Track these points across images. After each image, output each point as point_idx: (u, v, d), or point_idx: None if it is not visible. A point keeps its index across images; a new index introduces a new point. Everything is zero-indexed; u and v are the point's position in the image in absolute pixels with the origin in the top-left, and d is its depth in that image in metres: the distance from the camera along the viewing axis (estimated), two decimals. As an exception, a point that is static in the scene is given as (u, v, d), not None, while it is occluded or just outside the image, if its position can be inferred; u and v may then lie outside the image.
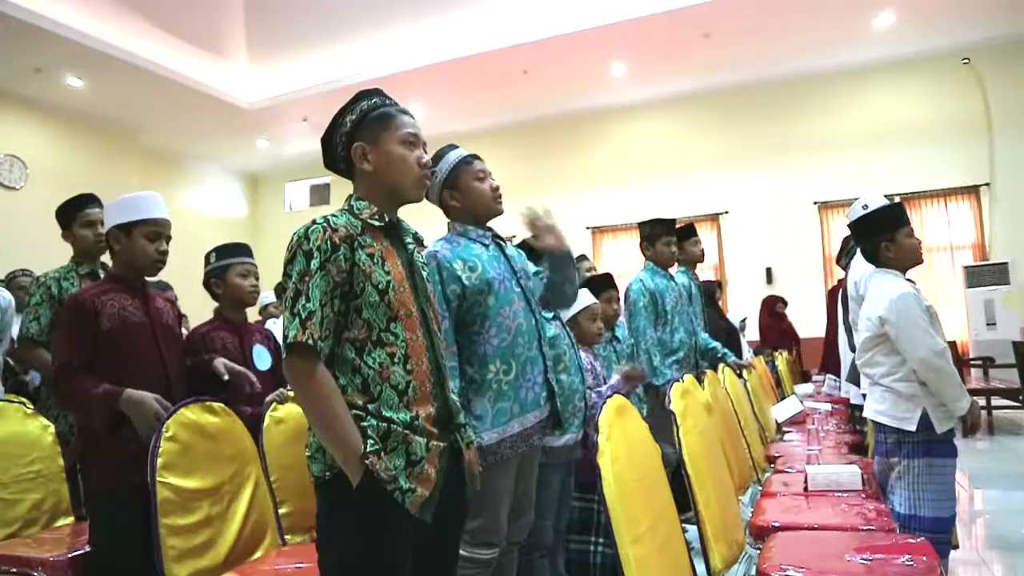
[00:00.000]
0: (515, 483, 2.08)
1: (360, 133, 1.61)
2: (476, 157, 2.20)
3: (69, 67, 8.44)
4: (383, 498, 1.41)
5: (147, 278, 2.32)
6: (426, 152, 1.65)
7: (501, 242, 2.21)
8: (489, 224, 2.21)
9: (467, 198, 2.14)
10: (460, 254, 2.04)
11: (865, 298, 2.71)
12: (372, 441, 1.42)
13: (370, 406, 1.45)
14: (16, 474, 2.53)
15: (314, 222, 1.49)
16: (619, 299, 3.43)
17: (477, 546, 2.00)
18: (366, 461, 1.40)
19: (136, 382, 2.09)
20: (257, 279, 2.75)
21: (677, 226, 4.12)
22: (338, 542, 1.44)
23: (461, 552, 1.99)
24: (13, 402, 2.71)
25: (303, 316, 1.41)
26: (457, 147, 2.21)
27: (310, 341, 1.40)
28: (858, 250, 3.70)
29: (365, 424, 1.43)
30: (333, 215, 1.53)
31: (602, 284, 3.34)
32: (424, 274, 1.66)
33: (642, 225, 3.96)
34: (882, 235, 2.61)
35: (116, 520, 2.02)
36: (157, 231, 2.24)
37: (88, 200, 2.93)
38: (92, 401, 2.00)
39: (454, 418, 1.59)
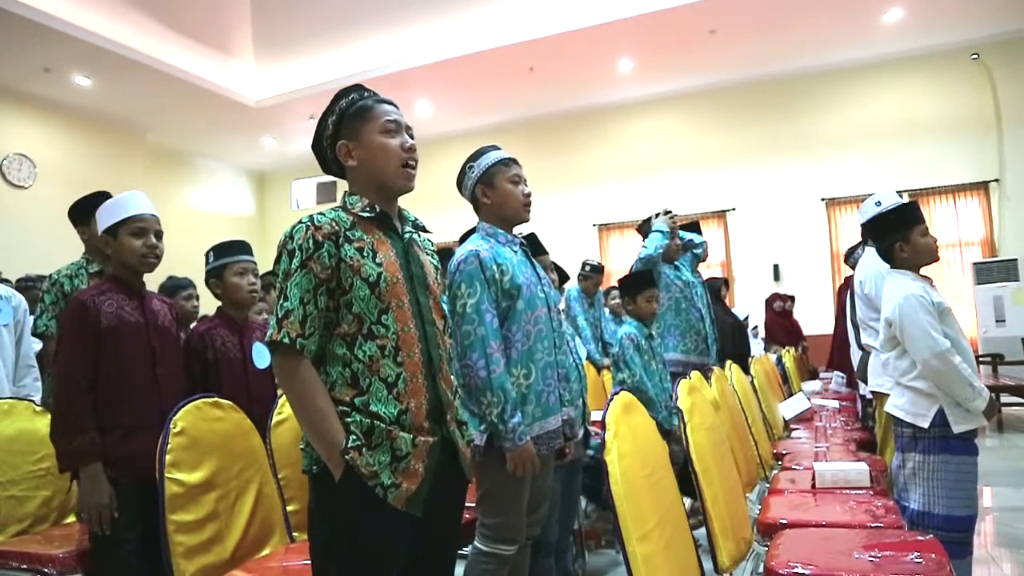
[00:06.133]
0: (533, 479, 2.09)
1: (342, 131, 1.62)
2: (515, 161, 2.24)
3: (77, 66, 8.46)
4: (365, 492, 1.43)
5: (158, 272, 2.34)
6: (411, 137, 1.65)
7: (526, 248, 2.26)
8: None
9: (498, 198, 2.18)
10: (495, 256, 2.07)
11: (879, 298, 2.70)
12: (355, 437, 1.43)
13: (357, 400, 1.46)
14: (26, 471, 2.54)
15: (300, 221, 1.51)
16: (657, 297, 3.43)
17: (499, 542, 2.02)
18: (347, 456, 1.42)
19: (125, 380, 2.12)
20: (256, 276, 2.75)
21: (682, 223, 4.12)
22: (323, 531, 1.47)
23: (482, 548, 2.01)
24: (22, 400, 2.73)
25: (280, 315, 1.44)
26: (499, 148, 2.25)
27: (286, 339, 1.42)
28: (865, 250, 3.70)
29: (349, 420, 1.45)
30: (320, 213, 1.54)
31: (645, 282, 3.38)
32: (427, 262, 1.65)
33: (643, 224, 3.96)
34: (896, 235, 2.60)
35: (116, 515, 2.04)
36: (142, 227, 2.24)
37: (102, 199, 2.92)
38: (71, 436, 2.01)
39: (446, 411, 1.58)
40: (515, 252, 2.16)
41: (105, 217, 2.25)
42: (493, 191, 2.18)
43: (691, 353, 3.74)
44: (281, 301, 1.45)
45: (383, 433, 1.45)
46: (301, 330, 1.44)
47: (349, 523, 1.44)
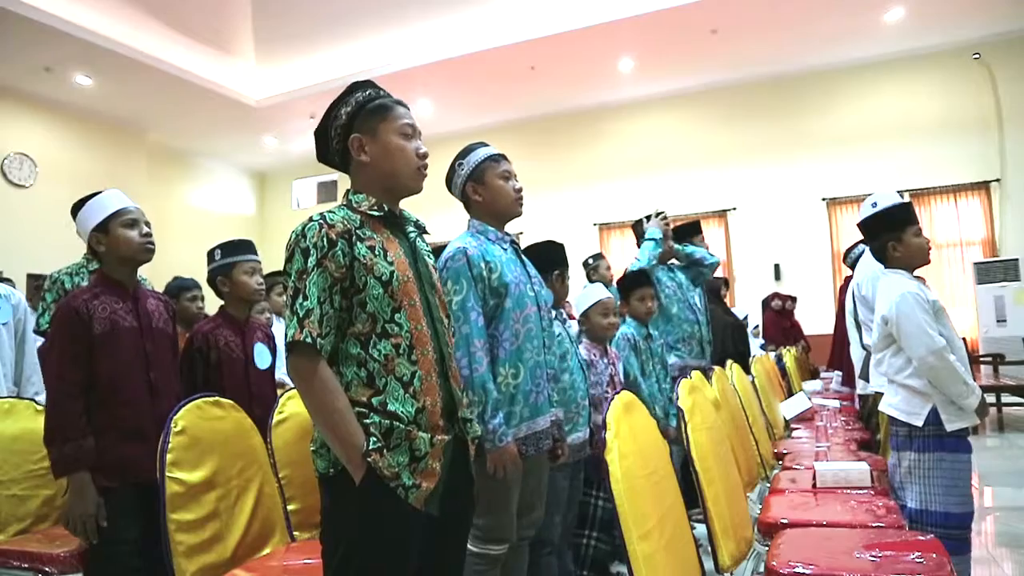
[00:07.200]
0: (525, 480, 2.08)
1: (357, 124, 1.60)
2: (504, 157, 2.22)
3: (78, 65, 8.47)
4: (386, 494, 1.42)
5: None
6: (422, 144, 1.65)
7: (517, 246, 2.24)
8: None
9: (490, 194, 2.17)
10: (483, 253, 2.06)
11: (875, 299, 2.72)
12: (375, 439, 1.42)
13: (375, 400, 1.45)
14: (27, 471, 2.55)
15: (311, 219, 1.49)
16: (653, 297, 3.40)
17: (488, 542, 2.02)
18: (368, 459, 1.41)
19: (120, 385, 2.10)
20: (263, 276, 2.75)
21: (682, 223, 4.09)
22: (342, 536, 1.45)
23: (472, 548, 2.00)
24: (23, 399, 2.73)
25: (301, 315, 1.42)
26: (487, 145, 2.24)
27: (308, 339, 1.40)
28: (866, 251, 3.69)
29: (368, 421, 1.43)
30: (330, 211, 1.52)
31: (637, 281, 3.37)
32: (430, 262, 1.65)
33: (636, 224, 3.90)
34: (889, 234, 2.62)
35: (113, 517, 2.04)
36: (133, 218, 2.22)
37: None
38: (64, 443, 2.00)
39: (459, 409, 1.58)
40: (505, 250, 2.14)
41: (91, 217, 2.21)
42: (484, 188, 2.16)
43: (685, 356, 3.70)
44: (300, 301, 1.43)
45: (402, 434, 1.44)
46: (320, 330, 1.42)
47: (369, 525, 1.43)
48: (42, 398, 3.01)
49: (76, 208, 2.91)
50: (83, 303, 2.10)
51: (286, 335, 1.43)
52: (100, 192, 2.32)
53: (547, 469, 2.23)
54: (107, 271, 2.23)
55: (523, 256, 2.24)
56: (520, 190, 2.21)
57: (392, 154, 1.59)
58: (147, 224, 2.26)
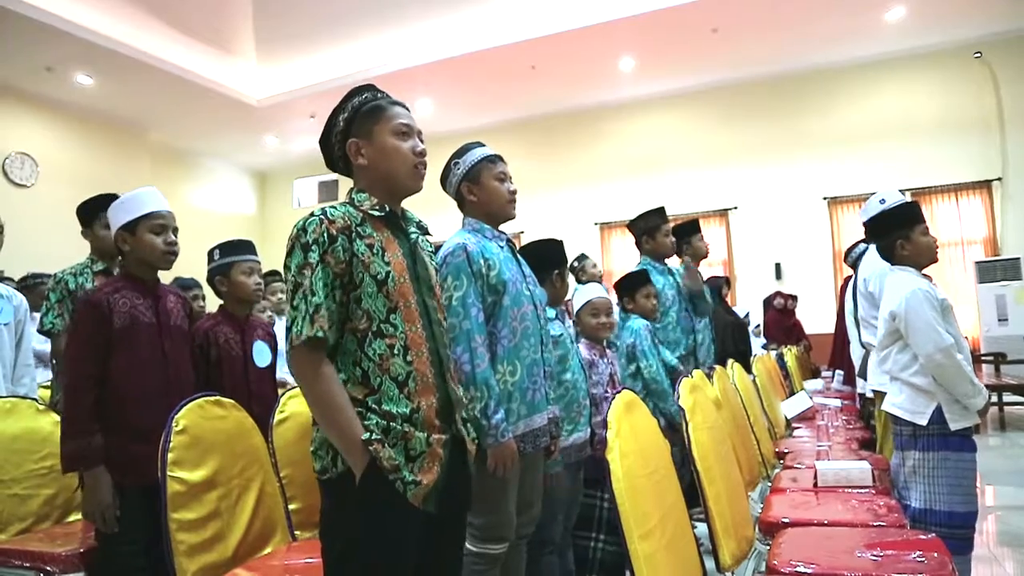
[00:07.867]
0: (522, 477, 2.08)
1: (353, 129, 1.62)
2: (500, 158, 2.23)
3: (79, 65, 8.48)
4: (386, 491, 1.42)
5: (164, 273, 2.34)
6: (421, 142, 1.65)
7: (512, 245, 2.25)
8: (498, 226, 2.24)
9: (484, 195, 2.17)
10: (482, 250, 2.07)
11: (882, 295, 2.72)
12: (374, 433, 1.43)
13: (370, 399, 1.46)
14: (28, 470, 2.54)
15: (312, 214, 1.50)
16: (656, 295, 3.41)
17: (487, 541, 2.01)
18: (370, 448, 1.41)
19: (137, 382, 2.12)
20: (261, 276, 2.76)
21: (680, 223, 4.07)
22: (341, 535, 1.45)
23: (471, 547, 2.00)
24: (25, 398, 2.73)
25: (311, 310, 1.42)
26: (483, 145, 2.24)
27: (320, 333, 1.41)
28: (869, 248, 3.69)
29: (367, 422, 1.44)
30: (332, 207, 1.53)
31: (639, 280, 3.38)
32: (430, 263, 1.65)
33: (634, 222, 3.82)
34: (898, 233, 2.63)
35: (123, 514, 2.05)
36: (162, 224, 2.25)
37: (110, 201, 2.93)
38: (75, 439, 2.02)
39: (456, 409, 1.58)
40: (501, 248, 2.15)
41: (121, 214, 2.23)
42: (479, 188, 2.17)
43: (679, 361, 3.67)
44: (309, 296, 1.43)
45: (399, 433, 1.45)
46: (328, 324, 1.43)
47: (369, 523, 1.43)
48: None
49: (103, 204, 2.87)
50: (104, 296, 2.12)
51: (292, 331, 1.42)
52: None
53: (542, 465, 2.23)
54: (130, 268, 2.26)
55: (518, 255, 2.24)
56: (514, 192, 2.22)
57: (388, 155, 1.59)
58: (175, 231, 2.29)
